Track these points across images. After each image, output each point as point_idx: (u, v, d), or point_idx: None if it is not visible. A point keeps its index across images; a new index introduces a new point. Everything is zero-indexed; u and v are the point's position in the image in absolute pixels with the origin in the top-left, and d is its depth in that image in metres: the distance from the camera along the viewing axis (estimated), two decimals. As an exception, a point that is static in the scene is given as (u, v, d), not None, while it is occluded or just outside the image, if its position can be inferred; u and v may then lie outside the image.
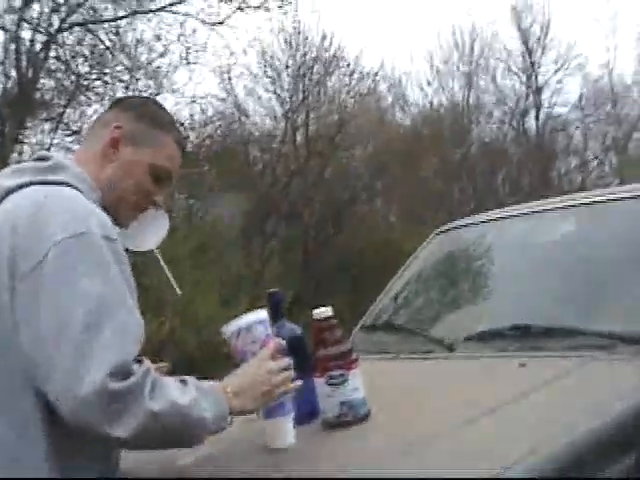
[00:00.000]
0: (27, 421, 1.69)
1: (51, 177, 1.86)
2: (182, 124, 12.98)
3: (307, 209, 13.62)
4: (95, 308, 1.62)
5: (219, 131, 14.15)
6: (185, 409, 1.70)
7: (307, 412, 2.21)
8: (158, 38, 11.58)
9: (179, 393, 1.72)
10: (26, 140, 12.09)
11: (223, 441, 2.07)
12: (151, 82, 11.86)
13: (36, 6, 11.21)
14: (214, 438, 1.97)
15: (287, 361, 2.01)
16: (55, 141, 12.11)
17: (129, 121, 2.01)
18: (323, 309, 2.25)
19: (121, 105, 2.12)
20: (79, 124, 12.32)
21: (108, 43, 11.59)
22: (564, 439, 1.77)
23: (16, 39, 11.11)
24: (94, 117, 12.49)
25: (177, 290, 2.15)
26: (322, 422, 2.18)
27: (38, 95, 11.78)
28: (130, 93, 11.69)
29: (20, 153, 12.05)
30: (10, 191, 1.85)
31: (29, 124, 12.03)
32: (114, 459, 1.87)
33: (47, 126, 12.20)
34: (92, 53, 11.58)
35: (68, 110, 12.11)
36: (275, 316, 2.31)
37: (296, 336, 2.32)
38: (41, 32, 11.28)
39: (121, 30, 11.62)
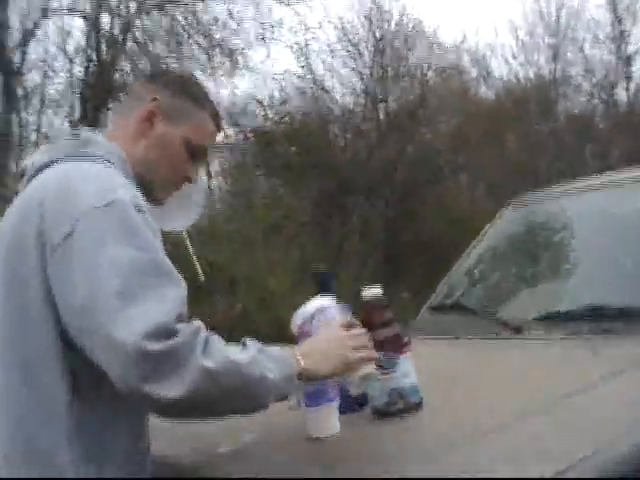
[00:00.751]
0: (49, 395, 1.62)
1: (82, 151, 1.80)
2: (260, 102, 12.96)
3: (388, 186, 13.43)
4: (129, 275, 1.53)
5: (299, 109, 14.05)
6: (244, 367, 1.57)
7: (354, 400, 2.07)
8: (232, 16, 11.53)
9: (238, 351, 1.61)
10: (109, 122, 12.23)
11: (264, 428, 1.97)
12: (227, 60, 11.82)
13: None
14: (255, 424, 1.86)
15: (361, 330, 1.90)
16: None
17: (165, 95, 1.93)
18: (372, 289, 2.10)
19: (156, 79, 2.04)
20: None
21: (185, 24, 11.59)
22: (630, 438, 1.59)
23: (95, 25, 11.21)
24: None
25: (200, 276, 2.06)
26: (371, 410, 2.04)
27: (118, 78, 11.90)
28: (208, 72, 11.72)
29: (103, 136, 12.18)
30: (41, 167, 1.81)
31: (110, 106, 12.17)
32: (145, 441, 1.77)
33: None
34: (169, 35, 11.61)
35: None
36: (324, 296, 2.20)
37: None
38: (119, 16, 11.35)
39: (197, 10, 11.60)
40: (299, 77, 14.11)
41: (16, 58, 10.86)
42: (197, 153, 1.94)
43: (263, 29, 11.81)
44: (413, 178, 13.85)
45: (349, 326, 1.90)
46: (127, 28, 11.41)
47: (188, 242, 2.08)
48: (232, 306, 8.81)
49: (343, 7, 17.36)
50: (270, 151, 13.14)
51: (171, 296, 1.54)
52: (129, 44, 11.58)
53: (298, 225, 11.25)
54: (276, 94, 13.31)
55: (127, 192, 1.67)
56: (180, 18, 11.59)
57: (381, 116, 14.71)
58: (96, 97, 11.49)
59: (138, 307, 1.49)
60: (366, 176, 13.12)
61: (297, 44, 13.47)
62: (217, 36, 11.69)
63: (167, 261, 1.62)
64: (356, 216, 12.81)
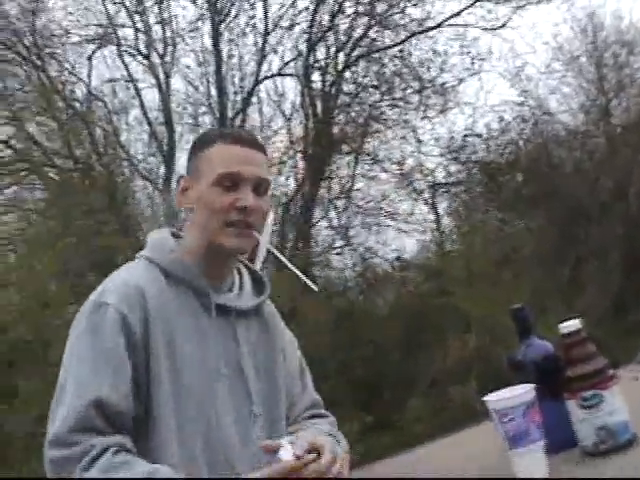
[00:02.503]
0: None
1: (137, 255, 1.97)
2: (479, 135, 12.79)
3: (623, 203, 12.74)
4: (61, 381, 1.77)
5: (522, 135, 13.71)
6: None
7: (562, 439, 1.95)
8: (437, 54, 11.54)
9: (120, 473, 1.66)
10: (333, 175, 12.56)
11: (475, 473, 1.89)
12: (440, 99, 11.82)
13: (321, 48, 11.68)
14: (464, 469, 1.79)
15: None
16: (357, 172, 12.47)
17: (189, 167, 1.98)
18: (570, 322, 1.98)
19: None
20: (379, 153, 12.61)
21: (393, 68, 11.73)
22: None
23: (307, 83, 11.59)
24: (391, 143, 12.84)
25: (313, 286, 1.98)
26: (580, 450, 1.91)
27: (336, 131, 12.19)
28: (420, 114, 11.76)
29: (329, 189, 12.52)
30: None
31: (332, 160, 12.47)
32: None
33: (349, 158, 12.59)
34: (380, 81, 11.78)
35: (366, 140, 12.43)
36: (522, 333, 2.12)
37: (547, 355, 2.08)
38: (329, 72, 11.69)
39: (404, 53, 11.70)
40: (519, 104, 13.74)
41: (236, 125, 11.41)
42: (232, 181, 1.86)
43: (472, 62, 11.71)
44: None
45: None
46: (338, 82, 11.69)
47: (280, 256, 2.03)
48: (466, 344, 8.68)
49: (554, 24, 16.76)
50: (495, 183, 12.91)
51: (71, 407, 1.70)
52: (342, 96, 11.86)
53: (529, 256, 10.94)
54: (494, 125, 13.07)
55: (102, 295, 1.81)
56: (388, 64, 11.73)
57: (608, 130, 14.06)
58: (317, 152, 11.82)
59: (56, 413, 1.72)
60: (597, 197, 12.54)
61: (508, 71, 13.19)
62: (427, 76, 11.71)
63: (83, 371, 1.74)
64: (590, 239, 12.26)
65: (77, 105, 11.94)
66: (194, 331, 1.83)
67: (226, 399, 1.83)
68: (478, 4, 11.85)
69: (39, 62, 11.73)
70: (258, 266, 2.01)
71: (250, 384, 1.88)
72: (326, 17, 11.60)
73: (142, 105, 11.93)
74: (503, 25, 11.83)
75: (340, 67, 11.72)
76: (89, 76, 11.92)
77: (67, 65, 12.02)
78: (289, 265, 1.95)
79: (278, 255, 1.97)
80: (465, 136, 12.77)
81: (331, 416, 2.09)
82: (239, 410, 1.85)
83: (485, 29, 11.79)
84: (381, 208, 12.64)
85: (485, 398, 1.91)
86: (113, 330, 1.75)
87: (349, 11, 11.70)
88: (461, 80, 11.85)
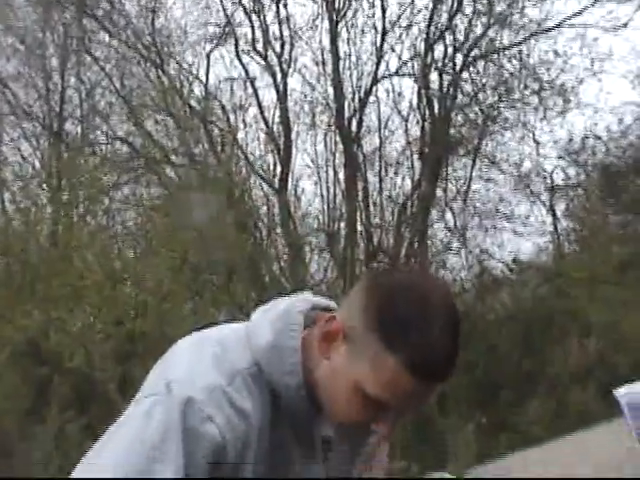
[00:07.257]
0: None
1: (249, 326, 1.52)
2: (599, 138, 12.48)
3: None
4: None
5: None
6: None
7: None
8: (557, 54, 11.28)
9: None
10: (449, 177, 12.46)
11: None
12: (559, 100, 11.58)
13: (439, 47, 11.61)
14: None
15: None
16: (474, 173, 12.34)
17: (354, 313, 1.45)
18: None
19: (365, 284, 1.50)
20: (496, 154, 12.44)
21: (512, 69, 11.57)
22: None
23: (425, 83, 11.54)
24: (508, 145, 12.63)
25: None
26: None
27: (453, 132, 12.09)
28: (540, 115, 11.56)
29: (445, 190, 12.43)
30: None
31: (449, 161, 12.38)
32: None
33: (466, 160, 12.48)
34: (498, 82, 11.63)
35: (483, 141, 12.30)
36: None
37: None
38: (447, 72, 11.61)
39: (523, 54, 11.53)
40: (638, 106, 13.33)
41: (353, 124, 11.49)
42: (377, 404, 1.44)
43: (592, 62, 11.41)
44: None
45: None
46: (456, 82, 11.61)
47: None
48: (586, 350, 8.49)
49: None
50: (616, 185, 12.56)
51: None
52: (460, 97, 11.78)
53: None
54: (614, 127, 12.71)
55: (197, 387, 1.41)
56: (507, 64, 11.57)
57: None
58: (434, 153, 11.77)
59: None
60: None
61: (631, 72, 12.80)
62: (546, 77, 11.50)
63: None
64: None
65: (194, 103, 12.17)
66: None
67: None
68: (598, 4, 11.55)
69: (158, 61, 12.01)
70: None
71: None
72: (444, 16, 11.54)
73: (259, 104, 12.08)
74: (625, 25, 11.48)
75: (458, 67, 11.63)
76: (207, 74, 12.15)
77: (185, 64, 12.30)
78: None
79: None
80: (584, 138, 12.49)
81: None
82: None
83: (606, 29, 11.47)
84: (498, 210, 12.50)
85: (617, 391, 1.86)
86: (203, 453, 1.37)
87: (467, 10, 11.61)
88: (581, 81, 11.56)
